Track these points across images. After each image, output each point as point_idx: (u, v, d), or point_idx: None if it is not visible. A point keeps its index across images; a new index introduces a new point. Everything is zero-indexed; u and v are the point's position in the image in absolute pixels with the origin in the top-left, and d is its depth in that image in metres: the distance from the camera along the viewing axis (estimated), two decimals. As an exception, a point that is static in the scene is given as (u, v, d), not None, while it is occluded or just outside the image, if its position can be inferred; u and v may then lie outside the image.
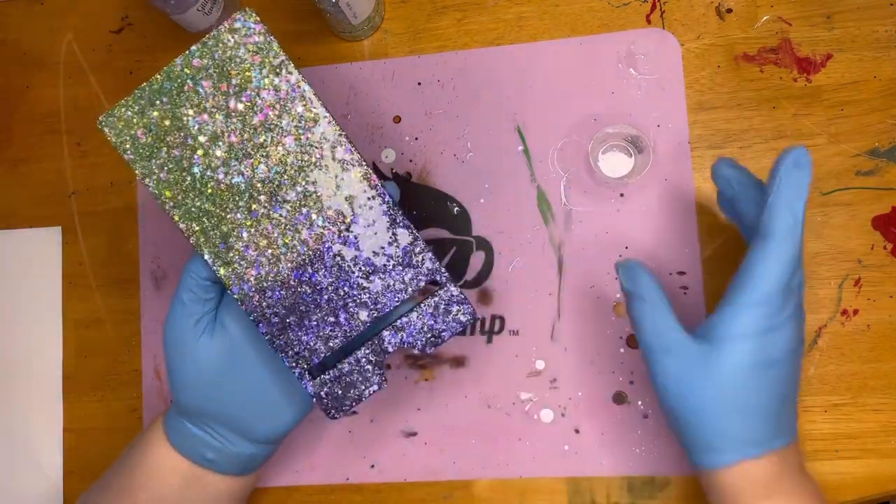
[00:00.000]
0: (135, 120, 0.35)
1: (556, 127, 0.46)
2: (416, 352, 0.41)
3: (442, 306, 0.36)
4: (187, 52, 0.35)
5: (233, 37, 0.34)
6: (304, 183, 0.35)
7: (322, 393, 0.36)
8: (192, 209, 0.35)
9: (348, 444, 0.47)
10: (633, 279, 0.37)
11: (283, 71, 0.35)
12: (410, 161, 0.48)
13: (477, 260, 0.46)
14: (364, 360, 0.36)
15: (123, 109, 0.35)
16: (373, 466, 0.46)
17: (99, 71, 0.52)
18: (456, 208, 0.47)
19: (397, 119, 0.48)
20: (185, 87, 0.35)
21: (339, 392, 0.36)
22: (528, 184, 0.46)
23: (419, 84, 0.48)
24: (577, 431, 0.44)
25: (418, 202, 0.47)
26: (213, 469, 0.39)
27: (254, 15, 0.35)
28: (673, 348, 0.35)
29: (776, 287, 0.33)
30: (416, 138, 0.48)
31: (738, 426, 0.34)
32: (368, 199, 0.36)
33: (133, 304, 0.49)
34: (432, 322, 0.36)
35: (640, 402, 0.44)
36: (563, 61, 0.47)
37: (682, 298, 0.44)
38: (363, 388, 0.36)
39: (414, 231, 0.36)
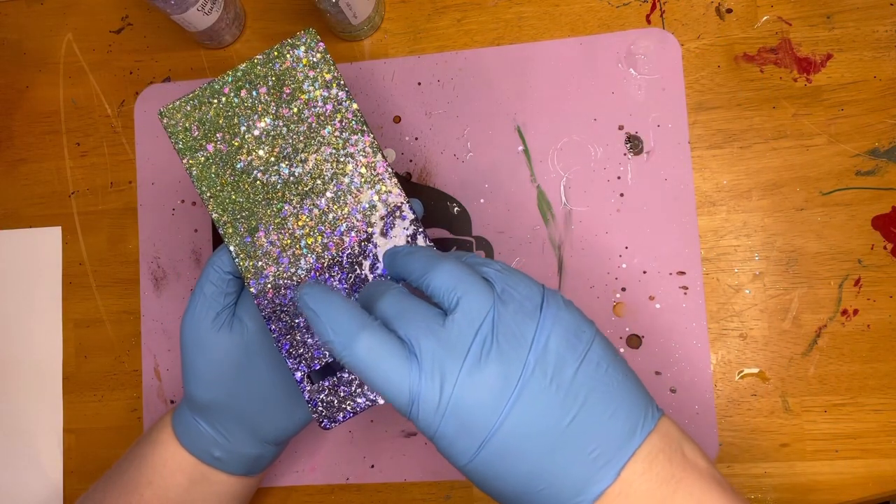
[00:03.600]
0: (192, 115, 0.38)
1: (556, 127, 0.46)
2: None
3: None
4: (250, 60, 0.38)
5: (293, 52, 0.38)
6: (334, 190, 0.37)
7: (318, 399, 0.36)
8: (227, 201, 0.37)
9: (348, 444, 0.47)
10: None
11: (334, 87, 0.37)
12: (410, 161, 0.48)
13: (477, 260, 0.46)
14: None
15: (184, 104, 0.38)
16: (373, 466, 0.46)
17: (99, 71, 0.52)
18: (456, 208, 0.47)
19: (397, 119, 0.48)
20: (242, 92, 0.37)
21: (335, 401, 0.36)
22: (528, 184, 0.46)
23: (419, 84, 0.48)
24: (577, 431, 0.44)
25: (418, 202, 0.47)
26: (220, 468, 0.39)
27: (316, 35, 0.38)
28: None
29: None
30: (416, 138, 0.48)
31: (532, 498, 0.28)
32: (394, 212, 0.37)
33: (133, 304, 0.49)
34: None
35: (640, 402, 0.44)
36: (563, 61, 0.47)
37: (682, 298, 0.44)
38: (359, 400, 0.36)
39: (433, 248, 0.36)
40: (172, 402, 0.49)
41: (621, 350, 0.44)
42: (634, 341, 0.44)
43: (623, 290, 0.45)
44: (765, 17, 0.46)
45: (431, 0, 0.49)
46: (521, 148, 0.47)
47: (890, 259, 0.43)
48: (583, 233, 0.45)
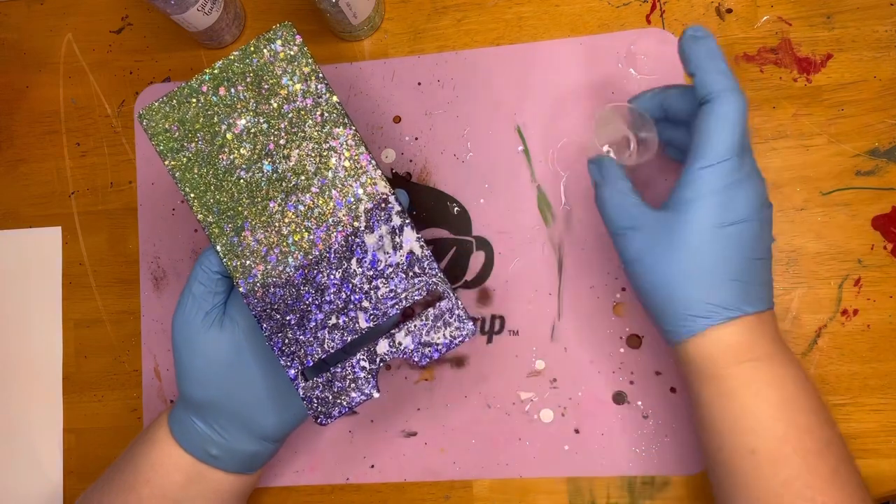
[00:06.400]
0: (171, 115, 0.37)
1: (556, 127, 0.46)
2: (410, 362, 0.42)
3: (441, 320, 0.36)
4: (227, 57, 0.37)
5: (270, 46, 0.37)
6: (319, 185, 0.37)
7: (312, 396, 0.36)
8: (211, 201, 0.37)
9: (348, 444, 0.47)
10: (600, 168, 0.38)
11: (312, 80, 0.37)
12: (410, 161, 0.48)
13: (477, 260, 0.46)
14: (358, 366, 0.36)
15: (162, 105, 0.37)
16: (373, 466, 0.46)
17: (99, 71, 0.52)
18: (456, 208, 0.47)
19: (397, 119, 0.48)
20: (221, 89, 0.37)
21: (330, 397, 0.36)
22: (528, 184, 0.46)
23: (419, 84, 0.48)
24: (577, 431, 0.44)
25: (418, 202, 0.47)
26: (217, 466, 0.39)
27: (292, 28, 0.37)
28: (637, 223, 0.36)
29: (730, 143, 0.34)
30: (416, 138, 0.48)
31: (706, 291, 0.34)
32: (380, 205, 0.37)
33: (133, 304, 0.49)
34: (430, 335, 0.36)
35: (639, 402, 0.44)
36: (563, 61, 0.47)
37: (682, 298, 0.44)
38: (354, 395, 0.36)
39: (421, 240, 0.36)
40: (172, 402, 0.49)
41: (621, 350, 0.44)
42: (634, 341, 0.44)
43: (623, 290, 0.45)
44: (765, 17, 0.46)
45: (431, 0, 0.49)
46: (521, 148, 0.47)
47: (890, 259, 0.43)
48: (583, 233, 0.45)
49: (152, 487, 0.38)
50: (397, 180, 0.48)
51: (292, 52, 0.37)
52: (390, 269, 0.36)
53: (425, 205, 0.47)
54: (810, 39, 0.45)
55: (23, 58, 0.53)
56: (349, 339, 0.36)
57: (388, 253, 0.36)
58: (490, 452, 0.45)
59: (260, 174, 0.37)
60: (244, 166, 0.37)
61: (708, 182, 0.34)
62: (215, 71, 0.37)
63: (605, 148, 0.43)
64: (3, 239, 0.51)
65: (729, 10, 0.46)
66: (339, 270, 0.36)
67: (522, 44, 0.47)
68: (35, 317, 0.51)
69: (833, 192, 0.44)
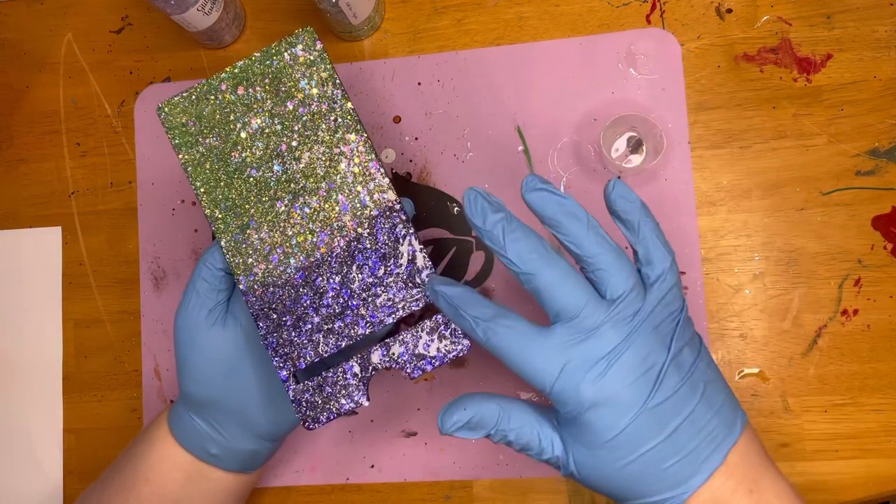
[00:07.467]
0: (190, 110, 0.38)
1: (556, 127, 0.46)
2: (402, 373, 0.41)
3: (437, 333, 0.36)
4: (248, 58, 0.38)
5: (291, 50, 0.38)
6: (326, 189, 0.37)
7: (302, 399, 0.36)
8: (220, 198, 0.38)
9: (348, 444, 0.47)
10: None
11: (329, 85, 0.37)
12: (410, 161, 0.48)
13: (477, 260, 0.46)
14: (350, 373, 0.36)
15: (182, 100, 0.38)
16: (373, 466, 0.46)
17: (99, 71, 0.52)
18: (456, 208, 0.47)
19: (397, 119, 0.48)
20: (239, 89, 0.38)
21: (319, 401, 0.36)
22: (528, 184, 0.46)
23: (419, 84, 0.48)
24: (577, 431, 0.44)
25: (418, 202, 0.47)
26: (216, 465, 0.39)
27: (314, 34, 0.38)
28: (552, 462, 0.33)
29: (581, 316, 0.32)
30: (416, 138, 0.48)
31: (660, 474, 0.30)
32: (385, 213, 0.37)
33: (133, 304, 0.49)
34: (425, 347, 0.36)
35: (640, 402, 0.44)
36: (563, 61, 0.47)
37: (682, 298, 0.44)
38: (343, 402, 0.36)
39: (424, 251, 0.36)
40: (172, 402, 0.49)
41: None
42: (634, 341, 0.44)
43: (623, 290, 0.45)
44: (765, 17, 0.46)
45: (431, 0, 0.49)
46: (521, 148, 0.47)
47: (890, 259, 0.43)
48: (583, 233, 0.45)
49: (152, 486, 0.38)
50: (397, 180, 0.48)
51: (312, 57, 0.38)
52: (390, 278, 0.36)
53: (425, 205, 0.47)
54: (810, 39, 0.45)
55: (23, 58, 0.53)
56: (343, 344, 0.36)
57: (389, 261, 0.36)
58: (490, 452, 0.45)
59: (270, 174, 0.37)
60: (255, 165, 0.37)
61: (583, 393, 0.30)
62: (235, 70, 0.38)
63: (615, 151, 0.44)
64: (3, 239, 0.51)
65: (729, 10, 0.46)
66: (339, 275, 0.36)
67: (522, 44, 0.47)
68: (35, 317, 0.51)
69: (833, 192, 0.44)
